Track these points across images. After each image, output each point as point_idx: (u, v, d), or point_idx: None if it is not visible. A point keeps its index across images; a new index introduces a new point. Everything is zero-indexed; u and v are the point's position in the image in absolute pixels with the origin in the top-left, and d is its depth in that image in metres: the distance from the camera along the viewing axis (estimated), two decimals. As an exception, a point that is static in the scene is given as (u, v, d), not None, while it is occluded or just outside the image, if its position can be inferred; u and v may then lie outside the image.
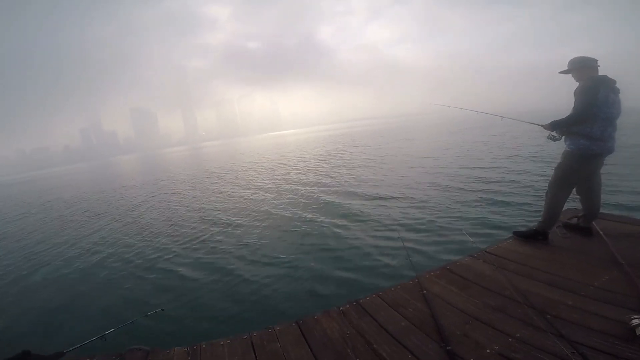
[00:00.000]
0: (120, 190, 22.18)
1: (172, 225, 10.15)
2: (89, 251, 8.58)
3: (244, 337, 2.73)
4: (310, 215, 9.17)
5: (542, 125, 3.58)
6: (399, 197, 9.86)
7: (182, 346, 2.68)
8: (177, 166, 38.22)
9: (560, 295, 2.62)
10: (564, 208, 3.76)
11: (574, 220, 3.85)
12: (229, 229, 8.68)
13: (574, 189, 3.60)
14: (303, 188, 13.37)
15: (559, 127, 3.42)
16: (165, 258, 7.13)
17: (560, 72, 3.53)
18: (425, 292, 3.00)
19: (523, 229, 3.97)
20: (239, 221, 9.34)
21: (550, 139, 3.49)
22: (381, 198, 10.06)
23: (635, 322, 2.04)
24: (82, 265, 7.52)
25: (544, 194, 3.70)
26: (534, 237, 3.70)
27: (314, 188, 13.07)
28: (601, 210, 3.75)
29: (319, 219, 8.64)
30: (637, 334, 1.98)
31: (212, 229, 9.01)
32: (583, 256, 3.20)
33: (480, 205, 7.93)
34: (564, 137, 3.44)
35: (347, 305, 3.01)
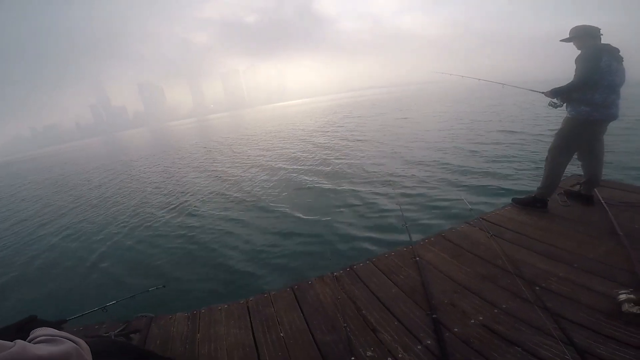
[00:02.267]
0: (130, 162, 22.51)
1: (177, 195, 10.35)
2: (99, 223, 8.81)
3: (241, 302, 2.83)
4: (308, 184, 9.21)
5: (543, 93, 3.49)
6: (399, 166, 9.79)
7: (183, 312, 2.81)
8: (180, 139, 38.17)
9: (552, 266, 2.61)
10: (567, 175, 3.68)
11: (576, 188, 3.78)
12: (226, 199, 8.77)
13: (576, 155, 3.54)
14: (302, 158, 13.38)
15: (560, 94, 3.34)
16: (166, 229, 7.29)
17: (561, 40, 3.43)
18: (418, 259, 3.02)
19: (523, 196, 3.91)
20: (236, 194, 9.38)
21: (552, 105, 3.42)
22: (381, 166, 10.01)
23: (622, 297, 2.02)
24: (88, 237, 7.75)
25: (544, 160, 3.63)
26: (533, 204, 3.66)
27: (312, 159, 13.03)
28: (607, 178, 3.67)
29: (317, 187, 8.69)
30: (622, 310, 1.97)
31: (213, 199, 9.17)
32: (581, 226, 3.16)
33: (481, 172, 7.83)
34: (565, 104, 3.37)
35: (341, 271, 3.07)
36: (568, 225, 3.22)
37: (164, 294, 3.11)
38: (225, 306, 2.81)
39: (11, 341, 0.78)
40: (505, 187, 6.50)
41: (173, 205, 9.07)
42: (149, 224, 7.85)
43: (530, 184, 5.76)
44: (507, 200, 4.05)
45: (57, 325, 1.15)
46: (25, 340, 0.91)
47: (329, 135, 18.93)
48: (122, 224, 8.23)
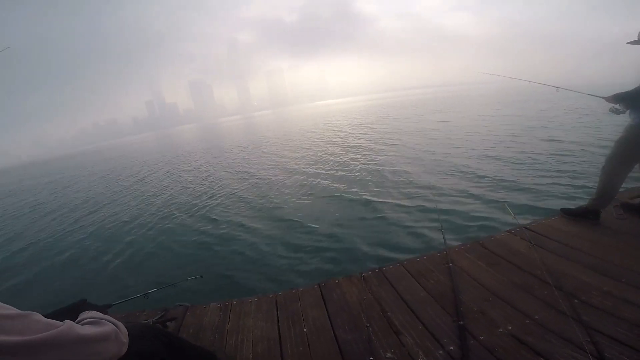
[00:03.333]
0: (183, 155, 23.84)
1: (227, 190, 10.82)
2: (152, 214, 9.44)
3: (270, 296, 2.94)
4: (345, 184, 9.25)
5: (604, 98, 3.22)
6: (436, 171, 9.52)
7: (216, 302, 2.97)
8: (226, 136, 39.77)
9: (597, 280, 2.43)
10: (626, 187, 3.40)
11: (636, 201, 3.45)
12: (265, 201, 8.97)
13: (638, 166, 3.22)
14: (341, 156, 13.48)
15: (624, 100, 3.07)
16: (213, 223, 7.64)
17: (628, 43, 3.13)
18: (451, 265, 2.94)
19: (573, 207, 3.64)
20: (272, 193, 9.60)
21: (613, 111, 3.17)
22: (417, 171, 9.79)
23: (668, 314, 1.86)
24: (140, 227, 8.36)
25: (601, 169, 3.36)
26: (584, 215, 3.38)
27: (351, 158, 13.07)
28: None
29: (354, 189, 8.66)
30: None
31: (252, 196, 9.55)
32: (636, 240, 2.89)
33: (529, 179, 7.36)
34: (628, 110, 3.08)
35: (370, 272, 3.06)
36: (621, 239, 2.95)
37: (201, 284, 3.27)
38: (256, 299, 2.92)
39: (62, 321, 0.91)
40: (554, 198, 6.07)
41: (217, 202, 9.48)
42: (192, 218, 8.30)
43: (583, 198, 5.37)
44: (555, 212, 3.80)
45: (103, 309, 1.30)
46: (75, 321, 1.05)
47: (366, 138, 18.78)
48: (168, 216, 8.79)
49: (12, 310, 0.81)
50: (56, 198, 15.92)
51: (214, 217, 8.02)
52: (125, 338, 1.08)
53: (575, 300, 2.24)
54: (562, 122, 14.88)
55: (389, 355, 2.08)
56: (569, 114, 16.79)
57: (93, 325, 1.03)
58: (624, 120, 3.18)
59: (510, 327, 2.11)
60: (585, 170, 7.45)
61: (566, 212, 3.56)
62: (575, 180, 6.94)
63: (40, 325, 0.83)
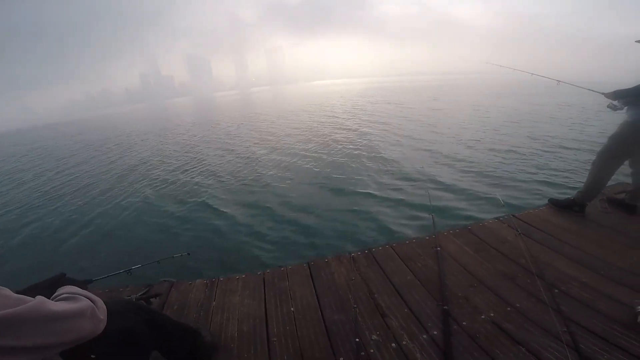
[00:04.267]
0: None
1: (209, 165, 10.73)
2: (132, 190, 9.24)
3: (258, 274, 2.96)
4: (337, 166, 9.22)
5: (603, 93, 3.26)
6: (432, 155, 9.58)
7: (202, 278, 2.98)
8: (221, 111, 38.97)
9: (577, 272, 2.51)
10: (613, 182, 3.48)
11: (621, 196, 3.54)
12: (253, 179, 8.88)
13: (627, 162, 3.29)
14: (334, 137, 13.42)
15: (624, 97, 3.10)
16: (199, 199, 7.57)
17: (637, 41, 3.07)
18: (439, 249, 3.00)
19: (561, 198, 3.72)
20: (264, 170, 9.55)
21: (611, 108, 3.22)
22: (415, 152, 9.88)
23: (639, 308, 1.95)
24: (121, 201, 8.21)
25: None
26: (570, 207, 3.48)
27: (345, 139, 13.00)
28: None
29: (347, 170, 8.68)
30: (638, 320, 1.89)
31: (241, 172, 9.46)
32: (618, 235, 2.98)
33: (521, 171, 7.45)
34: (626, 107, 3.12)
35: (359, 253, 3.11)
36: (603, 233, 3.05)
37: (188, 261, 3.25)
38: (243, 276, 2.94)
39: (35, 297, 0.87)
40: (544, 189, 6.15)
41: (205, 179, 9.36)
42: (179, 195, 8.18)
43: (572, 191, 5.51)
44: (544, 202, 3.88)
45: (83, 284, 1.23)
46: (51, 296, 1.02)
47: (357, 120, 18.67)
48: (155, 192, 8.65)
49: None
50: (32, 168, 15.63)
51: (202, 194, 7.89)
52: (102, 315, 1.03)
53: (556, 290, 2.32)
54: (558, 115, 14.83)
55: (374, 337, 2.15)
56: (564, 109, 16.61)
57: (68, 301, 0.98)
58: (617, 118, 3.23)
59: (492, 314, 2.19)
60: (572, 165, 7.53)
61: (553, 203, 3.66)
62: (562, 173, 7.04)
63: (10, 301, 0.78)
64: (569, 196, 3.60)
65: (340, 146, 11.60)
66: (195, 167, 10.84)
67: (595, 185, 3.36)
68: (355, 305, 2.41)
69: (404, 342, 2.07)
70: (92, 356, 1.22)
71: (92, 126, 45.17)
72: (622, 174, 3.59)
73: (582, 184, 3.49)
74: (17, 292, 0.85)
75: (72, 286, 1.12)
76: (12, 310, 0.76)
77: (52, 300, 0.97)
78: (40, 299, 0.85)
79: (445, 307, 2.29)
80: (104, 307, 1.07)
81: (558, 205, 3.59)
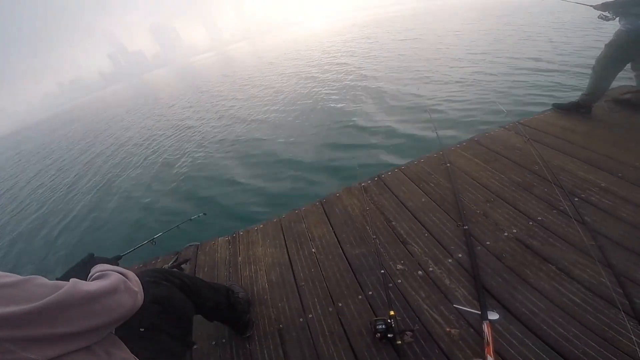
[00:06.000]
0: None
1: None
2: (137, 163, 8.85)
3: (274, 221, 2.91)
4: (334, 97, 8.92)
5: (592, 6, 3.07)
6: (427, 70, 9.18)
7: (224, 236, 2.93)
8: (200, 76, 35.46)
9: (594, 175, 2.47)
10: (616, 85, 3.39)
11: (627, 96, 3.43)
12: (254, 124, 8.60)
13: (629, 65, 3.21)
14: (323, 75, 12.69)
15: (614, 8, 2.96)
16: (202, 160, 7.33)
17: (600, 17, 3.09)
18: (449, 165, 2.92)
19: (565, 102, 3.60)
20: (259, 116, 9.20)
21: (602, 18, 3.11)
22: (408, 71, 9.42)
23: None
24: (133, 175, 7.92)
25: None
26: (576, 109, 3.40)
27: (336, 72, 12.38)
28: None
29: (344, 101, 8.35)
30: None
31: (238, 125, 9.03)
32: (628, 132, 2.90)
33: (519, 79, 7.13)
34: (618, 17, 3.00)
35: (369, 181, 3.03)
36: (614, 132, 2.96)
37: (206, 220, 3.19)
38: (261, 226, 2.90)
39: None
40: (544, 96, 5.90)
41: (201, 141, 9.02)
42: (182, 157, 7.97)
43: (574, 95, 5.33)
44: (546, 109, 3.75)
45: (114, 261, 1.21)
46: (87, 277, 0.99)
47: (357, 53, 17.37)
48: (158, 159, 8.43)
49: (13, 277, 0.72)
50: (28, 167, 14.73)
51: (203, 156, 7.66)
52: (136, 286, 0.99)
53: (576, 199, 2.29)
54: (543, 31, 13.72)
55: (399, 267, 2.14)
56: (552, 25, 15.17)
57: (100, 279, 0.94)
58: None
59: (515, 231, 2.18)
60: (567, 74, 7.16)
61: (558, 107, 3.57)
62: (559, 80, 6.70)
63: (47, 289, 0.74)
64: (574, 99, 3.48)
65: (325, 84, 11.13)
66: (189, 132, 10.44)
67: (597, 88, 3.29)
68: (374, 237, 2.38)
69: (430, 269, 2.08)
70: (140, 329, 1.23)
71: (78, 115, 41.67)
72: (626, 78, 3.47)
73: (585, 88, 3.40)
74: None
75: (104, 264, 1.08)
76: (51, 298, 0.72)
77: (88, 281, 0.95)
78: (73, 281, 0.81)
79: (466, 227, 2.27)
80: (137, 278, 1.04)
81: (563, 108, 3.51)
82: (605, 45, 3.19)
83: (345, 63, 14.53)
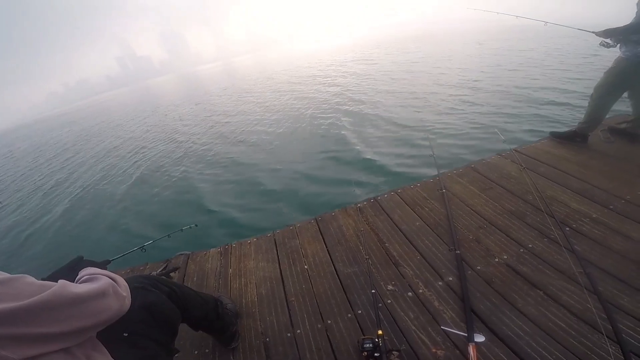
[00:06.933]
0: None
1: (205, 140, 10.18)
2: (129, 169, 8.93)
3: (268, 235, 2.93)
4: (331, 117, 8.98)
5: (594, 32, 3.14)
6: (428, 95, 9.27)
7: (216, 247, 2.97)
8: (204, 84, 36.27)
9: (586, 206, 2.51)
10: (613, 115, 3.46)
11: (623, 126, 3.50)
12: (250, 141, 8.64)
13: (626, 94, 3.27)
14: (323, 94, 12.83)
15: (615, 35, 3.03)
16: (198, 173, 7.29)
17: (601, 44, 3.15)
18: (444, 191, 2.97)
19: (562, 130, 3.67)
20: (259, 132, 9.24)
21: (604, 45, 3.15)
22: (410, 96, 9.51)
23: (656, 246, 1.96)
24: (121, 182, 7.95)
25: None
26: (572, 138, 3.46)
27: (335, 92, 12.50)
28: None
29: (341, 121, 8.43)
30: None
31: (234, 142, 9.03)
32: (623, 164, 2.95)
33: (519, 106, 7.22)
34: (619, 45, 3.09)
35: (365, 203, 3.07)
36: (608, 163, 3.02)
37: (197, 232, 3.22)
38: (255, 239, 2.92)
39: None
40: (542, 125, 5.95)
41: (201, 150, 9.05)
42: (177, 168, 7.96)
43: (572, 124, 5.37)
44: (543, 137, 3.82)
45: (102, 265, 1.21)
46: (74, 280, 0.99)
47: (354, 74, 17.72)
48: (151, 170, 8.41)
49: (2, 275, 0.73)
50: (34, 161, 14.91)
51: (198, 166, 7.68)
52: (124, 291, 1.01)
53: (567, 229, 2.32)
54: (546, 57, 13.84)
55: (390, 287, 2.16)
56: (554, 50, 15.30)
57: (89, 282, 0.96)
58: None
59: (505, 257, 2.20)
60: (567, 100, 7.24)
61: (555, 136, 3.63)
62: (558, 107, 6.79)
63: (34, 288, 0.75)
64: (571, 128, 3.55)
65: (332, 100, 11.22)
66: (185, 140, 10.53)
67: (595, 116, 3.34)
68: (367, 257, 2.40)
69: (420, 291, 2.09)
70: (124, 334, 1.22)
71: (81, 115, 42.52)
72: (624, 106, 3.54)
73: (582, 116, 3.46)
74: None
75: (92, 267, 1.10)
76: (38, 298, 0.73)
77: (76, 283, 0.96)
78: (62, 282, 0.82)
79: (458, 252, 2.29)
80: (125, 284, 1.06)
81: (560, 137, 3.56)
82: (605, 72, 3.26)
83: (354, 82, 14.59)
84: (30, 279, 0.78)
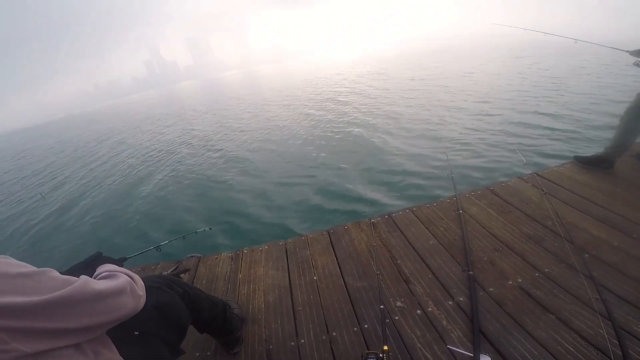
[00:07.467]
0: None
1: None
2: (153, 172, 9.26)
3: (280, 244, 2.97)
4: (353, 130, 9.08)
5: (628, 52, 3.06)
6: (449, 112, 9.26)
7: (227, 251, 3.02)
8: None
9: (607, 234, 2.42)
10: None
11: None
12: (270, 151, 8.86)
13: None
14: (344, 107, 13.06)
15: None
16: (215, 176, 7.58)
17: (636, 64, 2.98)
18: (461, 212, 2.93)
19: (587, 154, 3.54)
20: (278, 147, 9.36)
21: (638, 65, 3.01)
22: (428, 111, 9.55)
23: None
24: (144, 182, 8.36)
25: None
26: (597, 164, 3.30)
27: (356, 107, 12.69)
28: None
29: (364, 135, 8.52)
30: None
31: (259, 149, 9.32)
32: (650, 193, 2.85)
33: (543, 127, 7.08)
34: None
35: (379, 218, 3.06)
36: (634, 191, 2.90)
37: (211, 235, 3.28)
38: (266, 247, 2.96)
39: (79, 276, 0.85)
40: (566, 147, 5.82)
41: (221, 155, 9.35)
42: (196, 171, 8.24)
43: (596, 149, 5.23)
44: (567, 159, 3.71)
45: (119, 262, 1.25)
46: (92, 275, 1.01)
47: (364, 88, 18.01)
48: (171, 172, 8.75)
49: (28, 268, 0.75)
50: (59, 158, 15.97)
51: (218, 170, 7.95)
52: (141, 290, 1.03)
53: (586, 255, 2.25)
54: (574, 75, 13.59)
55: (398, 304, 2.14)
56: (582, 69, 14.99)
57: (108, 279, 0.98)
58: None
59: (519, 280, 2.14)
60: (595, 122, 7.04)
61: (579, 160, 3.47)
62: (586, 131, 6.61)
63: (58, 283, 0.77)
64: (596, 153, 3.43)
65: (353, 113, 11.42)
66: (207, 145, 10.92)
67: (623, 141, 3.18)
68: (378, 272, 2.39)
69: (430, 309, 2.06)
70: (135, 333, 1.23)
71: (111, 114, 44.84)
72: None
73: (609, 141, 3.31)
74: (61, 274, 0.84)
75: (111, 264, 1.13)
76: (61, 292, 0.75)
77: (94, 279, 0.96)
78: (84, 278, 0.84)
79: (471, 273, 2.25)
80: (142, 283, 1.08)
81: (584, 162, 3.41)
82: (637, 94, 3.10)
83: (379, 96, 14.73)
84: (55, 273, 0.80)
